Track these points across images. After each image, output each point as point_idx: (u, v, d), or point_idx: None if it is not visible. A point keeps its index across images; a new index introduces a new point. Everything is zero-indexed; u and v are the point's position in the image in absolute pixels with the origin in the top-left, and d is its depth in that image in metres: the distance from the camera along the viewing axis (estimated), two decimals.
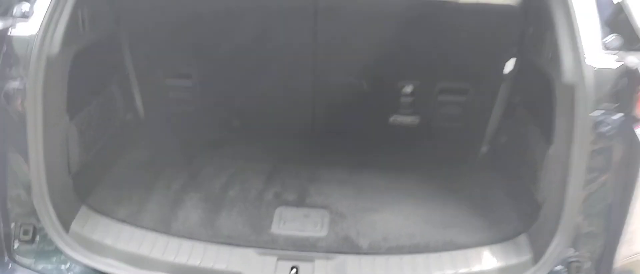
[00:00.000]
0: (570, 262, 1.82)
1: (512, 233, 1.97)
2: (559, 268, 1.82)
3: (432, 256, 1.85)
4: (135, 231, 1.91)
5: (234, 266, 1.79)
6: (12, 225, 1.86)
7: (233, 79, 2.31)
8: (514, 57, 2.41)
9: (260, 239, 1.91)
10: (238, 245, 1.87)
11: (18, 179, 1.84)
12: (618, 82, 1.74)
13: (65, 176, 1.97)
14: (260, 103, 2.39)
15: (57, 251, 1.84)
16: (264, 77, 2.30)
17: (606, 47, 1.80)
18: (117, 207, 2.01)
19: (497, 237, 1.96)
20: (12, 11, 1.85)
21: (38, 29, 1.79)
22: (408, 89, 2.35)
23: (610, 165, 1.76)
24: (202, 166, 2.31)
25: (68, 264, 1.83)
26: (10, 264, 1.85)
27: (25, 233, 1.85)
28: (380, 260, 1.83)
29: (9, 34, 1.79)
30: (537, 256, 1.86)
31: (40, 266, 1.84)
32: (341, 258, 1.84)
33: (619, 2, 1.83)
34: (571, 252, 1.82)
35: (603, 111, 1.75)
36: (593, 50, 1.78)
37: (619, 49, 1.80)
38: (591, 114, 1.74)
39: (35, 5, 1.86)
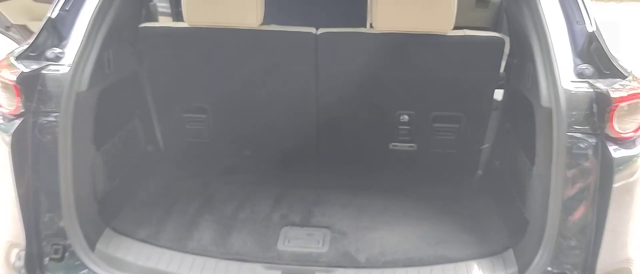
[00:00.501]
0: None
1: (500, 248, 2.12)
2: None
3: (424, 270, 2.01)
4: (154, 249, 2.10)
5: None
6: (44, 244, 2.05)
7: (243, 113, 2.52)
8: (502, 86, 2.59)
9: (267, 255, 2.08)
10: (246, 261, 2.04)
11: (50, 203, 2.04)
12: (591, 105, 1.90)
13: (91, 201, 2.18)
14: (268, 134, 2.59)
15: (84, 267, 2.02)
16: (271, 111, 2.50)
17: (579, 75, 1.98)
18: (138, 228, 2.21)
19: (486, 252, 2.10)
20: (47, 54, 2.11)
21: (69, 69, 2.02)
22: (405, 118, 2.52)
23: (586, 182, 1.90)
24: (216, 191, 2.51)
25: None
26: None
27: (56, 251, 2.04)
28: (375, 273, 1.99)
29: (43, 73, 2.01)
30: (522, 269, 1.99)
31: None
32: (340, 271, 2.00)
33: (590, 33, 2.01)
34: (554, 265, 1.95)
35: (578, 133, 1.91)
36: (567, 78, 1.95)
37: (591, 76, 1.97)
38: (567, 135, 1.90)
39: (67, 49, 2.11)
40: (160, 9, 3.14)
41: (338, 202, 2.42)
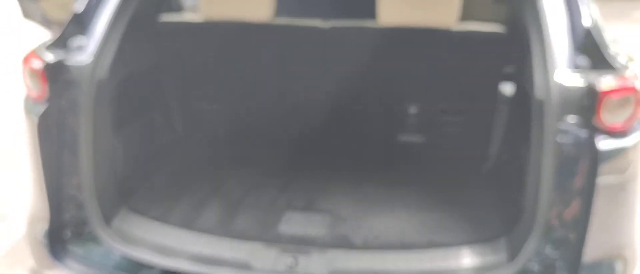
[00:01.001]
0: (542, 260, 2.01)
1: (493, 235, 2.19)
2: (531, 265, 2.02)
3: (415, 252, 2.10)
4: (164, 227, 2.26)
5: (241, 255, 2.09)
6: (65, 219, 2.23)
7: (255, 104, 2.67)
8: (508, 80, 2.65)
9: (267, 235, 2.21)
10: (247, 239, 2.17)
11: (71, 182, 2.22)
12: (582, 97, 1.96)
13: (110, 182, 2.35)
14: (279, 125, 2.72)
15: (100, 241, 2.19)
16: (282, 102, 2.64)
17: (574, 67, 2.04)
18: (151, 208, 2.37)
19: (479, 238, 2.18)
20: (72, 45, 2.30)
21: (91, 59, 2.19)
22: (413, 110, 2.61)
23: (575, 171, 1.96)
24: (226, 178, 2.66)
25: (109, 253, 2.20)
26: (63, 250, 2.22)
27: (76, 226, 2.23)
28: (367, 254, 2.09)
29: (67, 63, 2.18)
30: (511, 256, 2.06)
31: (85, 253, 2.20)
32: (335, 251, 2.11)
33: (587, 28, 2.07)
34: (543, 251, 2.01)
35: (567, 124, 1.97)
36: (562, 70, 2.01)
37: (586, 68, 2.03)
38: (557, 126, 1.96)
39: (90, 40, 2.28)
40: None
41: (342, 191, 2.53)
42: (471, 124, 2.59)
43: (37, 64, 2.17)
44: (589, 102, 1.93)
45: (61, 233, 2.24)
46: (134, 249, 2.16)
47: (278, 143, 2.80)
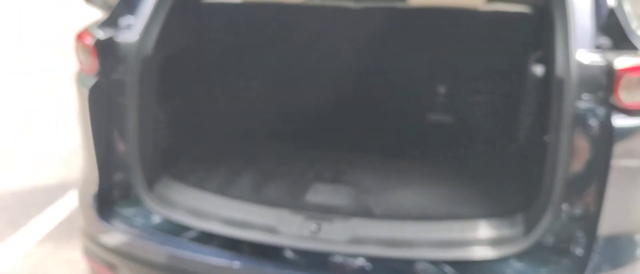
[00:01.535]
0: (558, 234, 2.08)
1: (511, 210, 2.26)
2: (547, 239, 2.08)
3: (433, 224, 2.20)
4: (200, 193, 2.44)
5: (269, 220, 2.24)
6: (113, 183, 2.45)
7: (289, 82, 2.81)
8: (537, 62, 2.68)
9: (294, 203, 2.35)
10: (275, 206, 2.32)
11: (119, 150, 2.42)
12: (600, 75, 2.00)
13: (154, 150, 2.53)
14: (312, 102, 2.86)
15: (144, 204, 2.39)
16: (315, 80, 2.77)
17: (596, 47, 2.08)
18: (190, 175, 2.55)
19: (497, 212, 2.25)
20: (121, 24, 2.49)
21: (137, 36, 2.38)
22: (442, 90, 2.69)
23: (591, 150, 2.01)
24: (261, 150, 2.82)
25: (150, 214, 2.39)
26: (112, 211, 2.42)
27: (123, 189, 2.44)
28: (386, 223, 2.21)
29: (116, 40, 2.37)
30: (527, 230, 2.13)
31: (130, 215, 2.40)
32: (356, 220, 2.23)
33: (611, 7, 2.10)
34: (559, 225, 2.07)
35: (585, 102, 2.02)
36: (583, 49, 2.06)
37: (608, 49, 2.07)
38: (575, 104, 2.01)
39: (138, 19, 2.48)
40: None
41: (369, 165, 2.65)
42: (500, 106, 2.65)
43: (89, 40, 2.37)
44: (606, 81, 1.97)
45: (108, 195, 2.45)
46: (173, 212, 2.35)
47: (311, 119, 2.94)
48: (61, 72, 5.96)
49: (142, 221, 2.37)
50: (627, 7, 2.20)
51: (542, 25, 2.57)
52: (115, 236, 2.36)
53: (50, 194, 4.32)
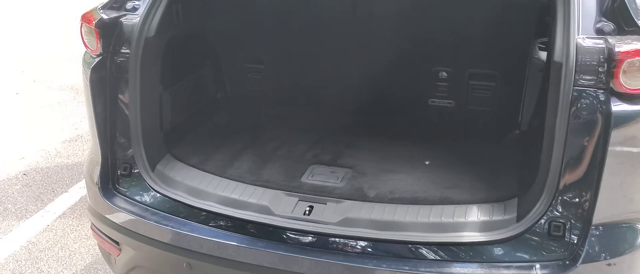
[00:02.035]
0: (551, 222, 2.03)
1: (505, 196, 2.22)
2: (540, 226, 2.04)
3: (424, 208, 2.17)
4: (199, 173, 2.47)
5: (263, 201, 2.27)
6: (115, 162, 2.50)
7: (293, 66, 2.82)
8: (541, 48, 2.61)
9: (290, 185, 2.37)
10: (271, 188, 2.34)
11: (122, 129, 2.47)
12: (599, 60, 1.93)
13: (157, 131, 2.58)
14: (314, 86, 2.86)
15: (144, 183, 2.45)
16: (317, 64, 2.77)
17: (598, 31, 2.01)
18: (191, 156, 2.59)
19: (490, 198, 2.22)
20: (126, 5, 2.54)
21: (140, 18, 2.43)
22: (443, 74, 2.65)
23: (588, 135, 1.95)
24: (263, 133, 2.84)
25: (151, 193, 2.43)
26: (113, 189, 2.48)
27: (125, 168, 2.49)
28: (379, 206, 2.20)
29: (120, 21, 2.41)
30: (521, 216, 2.09)
31: (131, 193, 2.45)
32: (349, 203, 2.23)
33: None
34: (552, 213, 2.02)
35: (584, 87, 1.95)
36: (585, 34, 1.99)
37: (610, 33, 1.99)
38: (573, 89, 1.95)
39: (142, 1, 2.53)
40: None
41: (368, 148, 2.64)
42: (502, 92, 2.59)
43: (92, 21, 2.42)
44: (607, 64, 1.91)
45: (113, 174, 2.51)
46: (171, 191, 2.40)
47: (313, 102, 2.94)
48: None
49: (142, 199, 2.42)
50: None
51: (547, 9, 2.49)
52: (117, 214, 2.42)
53: (75, 172, 4.47)
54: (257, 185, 2.37)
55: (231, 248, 2.16)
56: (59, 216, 3.93)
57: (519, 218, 2.08)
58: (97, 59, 2.42)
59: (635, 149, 1.96)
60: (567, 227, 2.01)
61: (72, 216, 3.91)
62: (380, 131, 2.78)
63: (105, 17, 2.40)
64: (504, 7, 2.38)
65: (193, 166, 2.52)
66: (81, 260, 3.47)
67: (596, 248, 1.99)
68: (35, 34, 8.23)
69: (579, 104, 1.94)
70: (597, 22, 2.00)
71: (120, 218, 2.40)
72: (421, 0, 2.45)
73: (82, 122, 5.23)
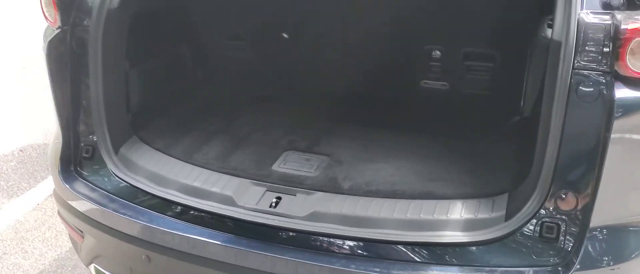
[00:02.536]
0: (543, 222, 1.78)
1: (494, 191, 1.97)
2: (530, 226, 1.79)
3: (402, 202, 1.94)
4: (163, 158, 2.29)
5: (227, 190, 2.07)
6: (81, 145, 2.33)
7: (275, 45, 2.58)
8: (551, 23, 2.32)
9: (258, 173, 2.17)
10: (238, 176, 2.15)
11: (83, 109, 2.29)
12: (605, 39, 1.66)
13: (122, 111, 2.39)
14: (298, 67, 2.63)
15: (105, 167, 2.28)
16: (301, 44, 2.53)
17: (605, 6, 1.73)
18: (158, 139, 2.41)
19: (478, 193, 1.97)
20: None
21: None
22: (436, 54, 2.39)
23: (589, 124, 1.69)
24: (240, 116, 2.63)
25: (112, 178, 2.26)
26: (75, 173, 2.32)
27: (87, 151, 2.31)
28: (352, 200, 1.98)
29: None
30: (510, 214, 1.84)
31: (92, 177, 2.29)
32: (320, 195, 2.02)
33: None
34: (545, 212, 1.78)
35: (585, 69, 1.69)
36: (588, 8, 1.72)
37: (617, 8, 1.71)
38: (572, 71, 1.68)
39: None
40: None
41: (349, 135, 2.41)
42: (502, 73, 2.31)
43: None
44: (612, 44, 1.64)
45: (75, 157, 2.34)
46: (132, 176, 2.22)
47: (295, 84, 2.71)
48: None
49: (103, 184, 2.25)
50: None
51: None
52: (77, 200, 2.25)
53: None
54: (222, 172, 2.17)
55: (190, 241, 1.98)
56: (50, 195, 3.81)
57: (507, 217, 1.84)
58: (55, 32, 2.23)
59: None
60: (562, 229, 1.76)
61: None
62: (365, 116, 2.55)
63: None
64: None
65: (158, 150, 2.34)
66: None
67: (596, 252, 1.75)
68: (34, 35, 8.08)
69: (578, 90, 1.68)
70: None
71: (80, 204, 2.24)
72: None
73: None
